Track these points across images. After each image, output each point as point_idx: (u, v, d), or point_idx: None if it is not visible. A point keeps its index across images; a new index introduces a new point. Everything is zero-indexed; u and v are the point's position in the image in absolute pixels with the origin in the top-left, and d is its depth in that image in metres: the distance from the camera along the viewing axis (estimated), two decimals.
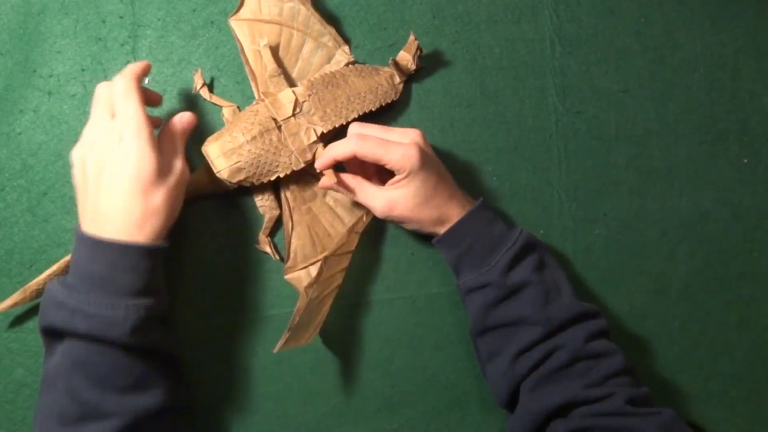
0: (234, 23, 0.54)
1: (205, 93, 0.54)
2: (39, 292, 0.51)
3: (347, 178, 0.51)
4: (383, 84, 0.54)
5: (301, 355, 0.54)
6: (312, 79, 0.52)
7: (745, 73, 0.57)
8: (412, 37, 0.53)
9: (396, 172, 0.49)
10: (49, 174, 0.55)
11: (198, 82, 0.54)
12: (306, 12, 0.54)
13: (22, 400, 0.53)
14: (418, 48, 0.54)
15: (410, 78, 0.56)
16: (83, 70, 0.55)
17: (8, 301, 0.51)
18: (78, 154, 0.46)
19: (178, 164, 0.46)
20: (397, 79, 0.54)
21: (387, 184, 0.50)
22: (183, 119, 0.49)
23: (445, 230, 0.50)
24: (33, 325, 0.54)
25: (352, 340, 0.55)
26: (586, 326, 0.48)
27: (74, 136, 0.55)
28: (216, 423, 0.53)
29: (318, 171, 0.51)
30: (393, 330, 0.55)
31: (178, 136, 0.48)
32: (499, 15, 0.57)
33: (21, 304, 0.51)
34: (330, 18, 0.55)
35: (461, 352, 0.55)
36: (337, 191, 0.51)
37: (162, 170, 0.45)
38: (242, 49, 0.54)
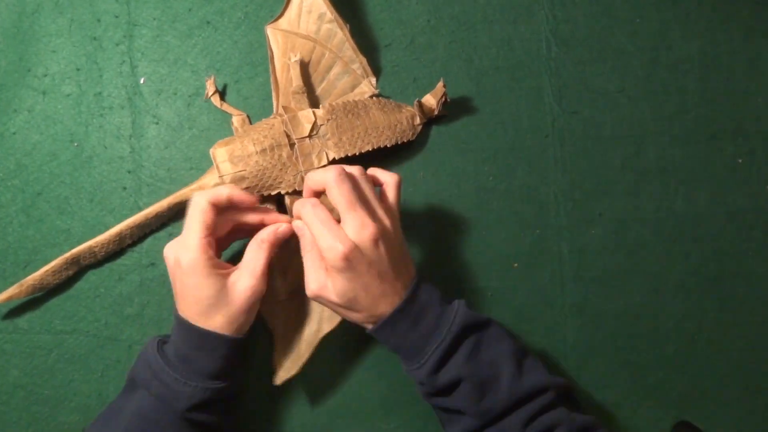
0: (270, 31, 0.54)
1: (216, 100, 0.54)
2: (35, 288, 0.51)
3: (305, 234, 0.47)
4: (403, 123, 0.54)
5: None
6: (334, 103, 0.52)
7: (739, 73, 0.58)
8: (440, 83, 0.54)
9: None
10: (44, 174, 0.54)
11: (210, 89, 0.54)
12: (342, 36, 0.54)
13: (17, 402, 0.53)
14: (445, 95, 0.54)
15: (429, 120, 0.56)
16: (78, 69, 0.55)
17: (3, 295, 0.51)
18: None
19: (250, 281, 0.45)
20: (417, 121, 0.54)
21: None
22: (278, 231, 0.47)
23: (372, 329, 0.47)
24: (28, 326, 0.53)
25: (349, 340, 0.55)
26: (527, 409, 0.46)
27: (69, 136, 0.54)
28: None
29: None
30: None
31: (264, 248, 0.46)
32: (495, 15, 0.57)
33: (16, 299, 0.51)
34: (365, 48, 0.55)
35: None
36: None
37: (222, 294, 0.44)
38: (272, 57, 0.54)
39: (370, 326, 0.47)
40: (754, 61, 0.58)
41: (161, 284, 0.54)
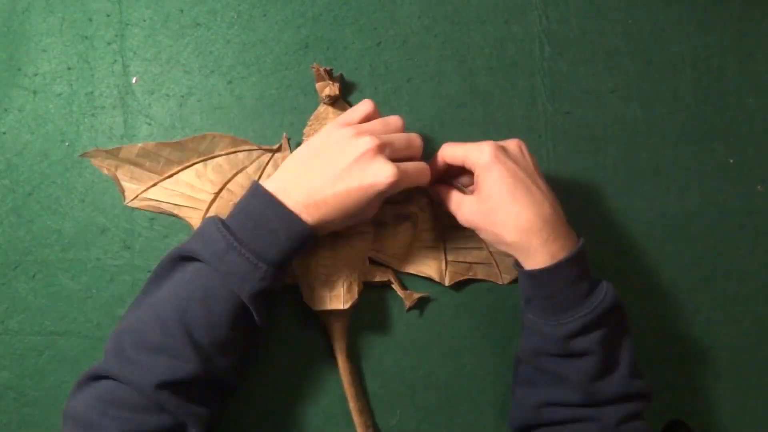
0: None
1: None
2: None
3: (442, 187, 0.51)
4: None
5: (294, 355, 0.54)
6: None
7: (730, 74, 0.58)
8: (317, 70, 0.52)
9: (474, 171, 0.48)
10: (35, 174, 0.54)
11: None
12: None
13: (7, 404, 0.53)
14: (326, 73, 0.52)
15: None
16: (69, 68, 0.55)
17: None
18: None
19: (388, 172, 0.44)
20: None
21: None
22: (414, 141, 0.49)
23: (525, 270, 0.47)
24: (18, 327, 0.53)
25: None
26: (626, 407, 0.46)
27: (60, 136, 0.54)
28: None
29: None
30: (384, 330, 0.55)
31: (415, 149, 0.49)
32: (489, 15, 0.57)
33: None
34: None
35: (452, 351, 0.55)
36: (436, 198, 0.52)
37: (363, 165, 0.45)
38: None
39: (522, 260, 0.47)
40: (745, 62, 0.58)
41: None
